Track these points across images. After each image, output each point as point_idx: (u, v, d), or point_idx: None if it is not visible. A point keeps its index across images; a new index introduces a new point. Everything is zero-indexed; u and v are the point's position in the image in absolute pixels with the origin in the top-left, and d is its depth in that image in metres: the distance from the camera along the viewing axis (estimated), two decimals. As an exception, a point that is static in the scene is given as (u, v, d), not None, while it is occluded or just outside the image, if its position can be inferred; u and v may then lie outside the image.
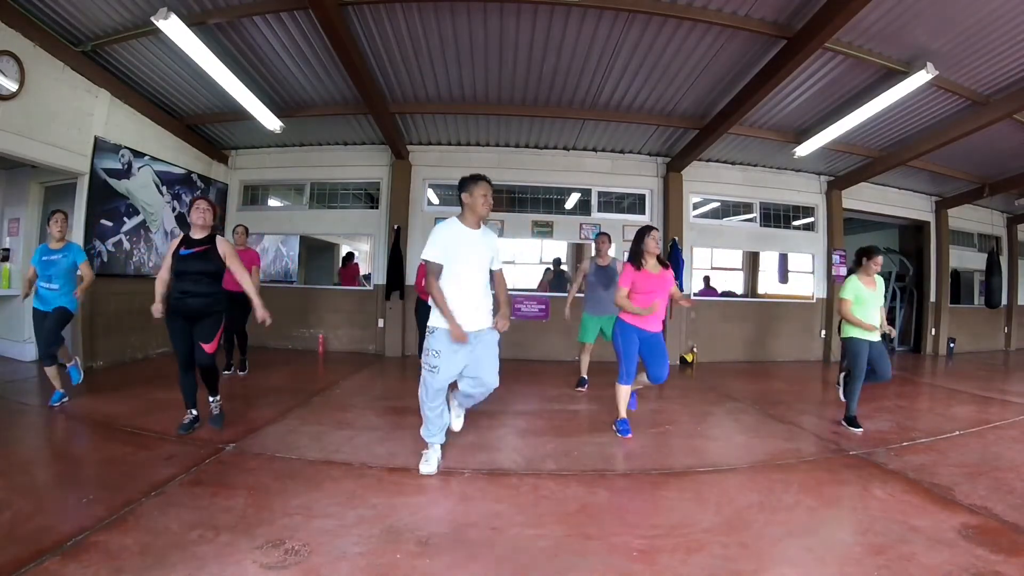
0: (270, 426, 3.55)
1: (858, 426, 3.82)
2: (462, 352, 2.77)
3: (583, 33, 4.70)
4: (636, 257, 3.53)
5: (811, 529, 2.28)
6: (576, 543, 2.11)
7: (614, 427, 3.66)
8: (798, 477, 2.89)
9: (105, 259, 5.49)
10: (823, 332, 8.06)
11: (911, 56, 4.76)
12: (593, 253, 5.10)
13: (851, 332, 3.92)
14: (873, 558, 1.99)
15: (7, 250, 5.72)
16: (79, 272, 3.91)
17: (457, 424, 3.27)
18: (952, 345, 8.91)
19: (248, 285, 3.31)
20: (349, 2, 4.30)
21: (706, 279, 8.68)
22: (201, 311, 3.22)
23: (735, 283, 10.28)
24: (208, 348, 3.25)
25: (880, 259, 3.94)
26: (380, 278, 7.36)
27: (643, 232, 3.55)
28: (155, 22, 4.15)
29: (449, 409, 3.05)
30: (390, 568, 1.86)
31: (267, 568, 1.82)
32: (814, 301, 8.14)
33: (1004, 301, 9.68)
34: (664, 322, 3.64)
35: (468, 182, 2.81)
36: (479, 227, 2.87)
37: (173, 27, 4.23)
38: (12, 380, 4.75)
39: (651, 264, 3.55)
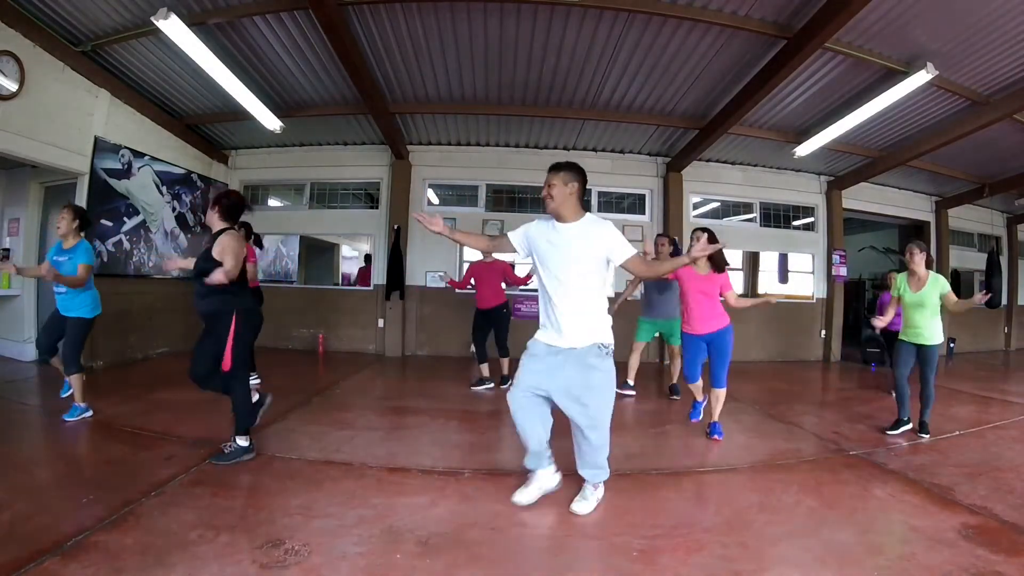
0: (270, 426, 3.55)
1: (927, 432, 3.66)
2: (546, 362, 2.33)
3: (583, 33, 4.69)
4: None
5: (811, 529, 2.28)
6: (576, 543, 2.11)
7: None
8: (798, 477, 2.89)
9: (105, 259, 5.48)
10: (823, 332, 8.06)
11: (911, 56, 4.75)
12: (650, 255, 4.61)
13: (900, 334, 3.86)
14: (873, 558, 1.99)
15: (7, 250, 5.71)
16: (79, 268, 3.51)
17: (579, 507, 2.38)
18: (952, 345, 8.90)
19: (220, 274, 2.73)
20: (349, 2, 4.30)
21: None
22: (205, 314, 2.90)
23: (735, 283, 10.26)
24: (223, 366, 2.81)
25: (913, 249, 3.76)
26: (380, 278, 7.36)
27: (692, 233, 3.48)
28: (155, 22, 4.15)
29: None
30: (390, 568, 1.86)
31: (267, 568, 1.82)
32: (814, 301, 8.14)
33: (1004, 301, 9.68)
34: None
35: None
36: (566, 222, 2.45)
37: (173, 27, 4.23)
38: (12, 380, 4.74)
39: (700, 264, 3.59)
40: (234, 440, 2.89)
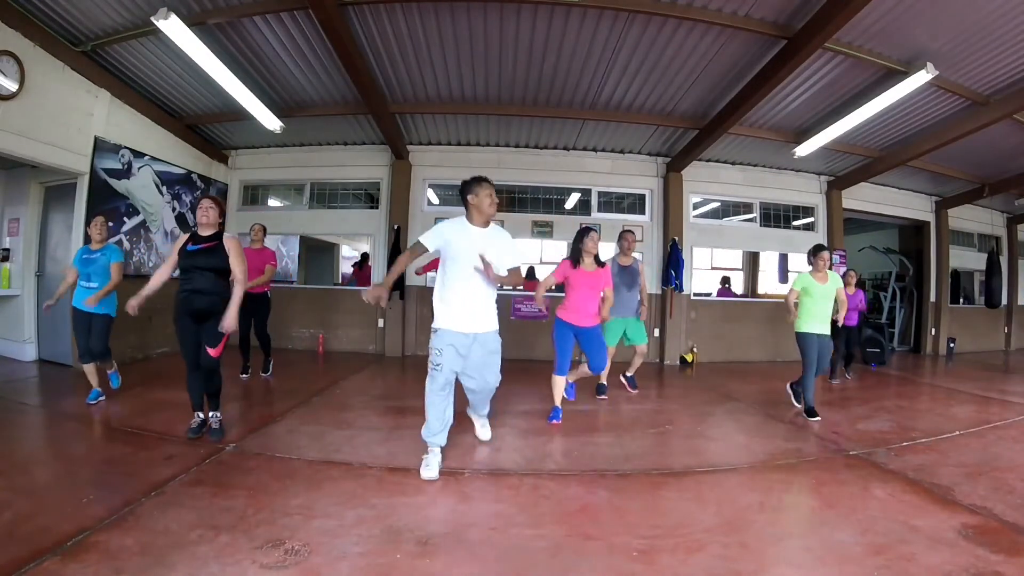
0: (270, 426, 3.55)
1: (816, 415, 4.11)
2: (462, 351, 2.82)
3: (583, 33, 4.70)
4: (575, 255, 3.88)
5: (811, 529, 2.28)
6: (576, 543, 2.10)
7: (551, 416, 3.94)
8: (798, 477, 2.89)
9: (105, 259, 5.48)
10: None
11: (911, 56, 4.76)
12: (614, 252, 4.84)
13: (801, 327, 4.31)
14: (873, 558, 1.99)
15: (7, 250, 5.71)
16: (111, 268, 3.95)
17: (483, 434, 3.36)
18: (952, 345, 8.90)
19: (239, 287, 3.16)
20: (349, 2, 4.30)
21: (725, 279, 8.66)
22: (207, 310, 3.09)
23: (735, 283, 10.28)
24: (213, 352, 3.15)
25: (825, 255, 4.29)
26: (380, 278, 7.35)
27: (583, 232, 3.89)
28: (155, 22, 4.15)
29: (475, 422, 3.36)
30: (390, 568, 1.86)
31: (267, 568, 1.82)
32: (814, 301, 8.12)
33: (1004, 301, 9.68)
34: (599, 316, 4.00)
35: (472, 184, 2.85)
36: (487, 226, 2.90)
37: (173, 27, 4.23)
38: (12, 380, 4.75)
39: (587, 263, 3.88)
40: (217, 415, 3.32)
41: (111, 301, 3.98)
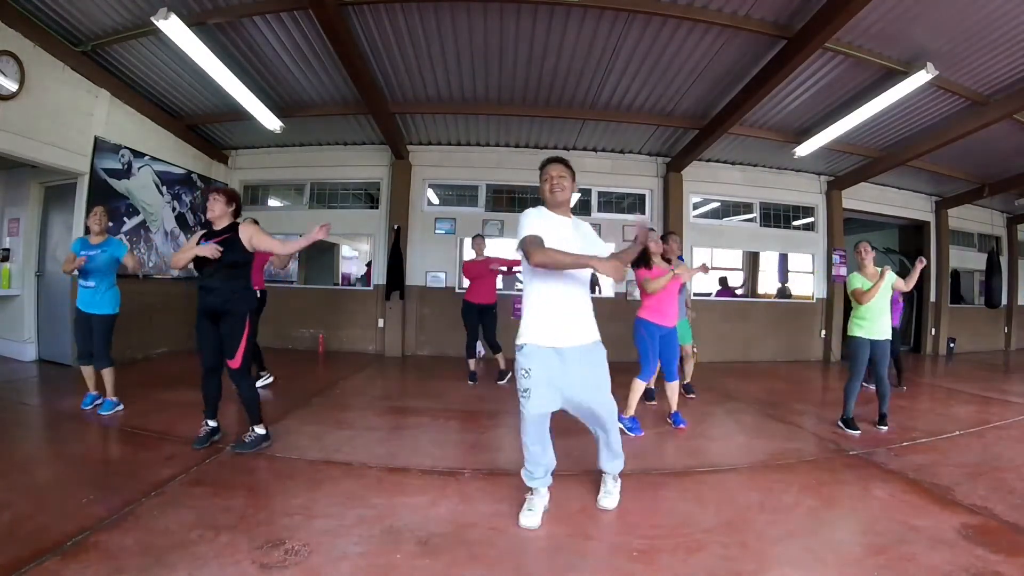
0: (270, 426, 3.54)
1: (855, 428, 3.78)
2: (557, 370, 2.18)
3: (583, 33, 4.69)
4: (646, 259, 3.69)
5: (811, 529, 2.28)
6: (576, 543, 2.10)
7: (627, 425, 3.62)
8: (798, 477, 2.89)
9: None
10: (823, 332, 8.06)
11: (911, 56, 4.75)
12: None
13: (855, 331, 3.89)
14: (873, 558, 1.99)
15: (7, 250, 5.71)
16: (123, 263, 3.86)
17: (607, 502, 2.43)
18: (952, 345, 8.90)
19: (287, 248, 3.10)
20: (349, 2, 4.30)
21: (723, 280, 8.65)
22: (220, 309, 2.93)
23: (735, 279, 10.26)
24: (233, 364, 2.95)
25: (866, 245, 3.91)
26: (380, 278, 7.36)
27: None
28: (155, 22, 4.15)
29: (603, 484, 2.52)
30: (390, 568, 1.86)
31: (267, 568, 1.82)
32: (814, 301, 8.14)
33: (1004, 301, 9.68)
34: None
35: (541, 168, 2.42)
36: (569, 216, 2.36)
37: (173, 27, 4.23)
38: (12, 380, 4.75)
39: (658, 262, 3.76)
40: (252, 430, 3.06)
41: (114, 298, 3.83)
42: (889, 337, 3.88)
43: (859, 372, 3.85)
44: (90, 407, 3.78)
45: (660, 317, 3.66)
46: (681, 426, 3.83)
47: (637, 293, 3.97)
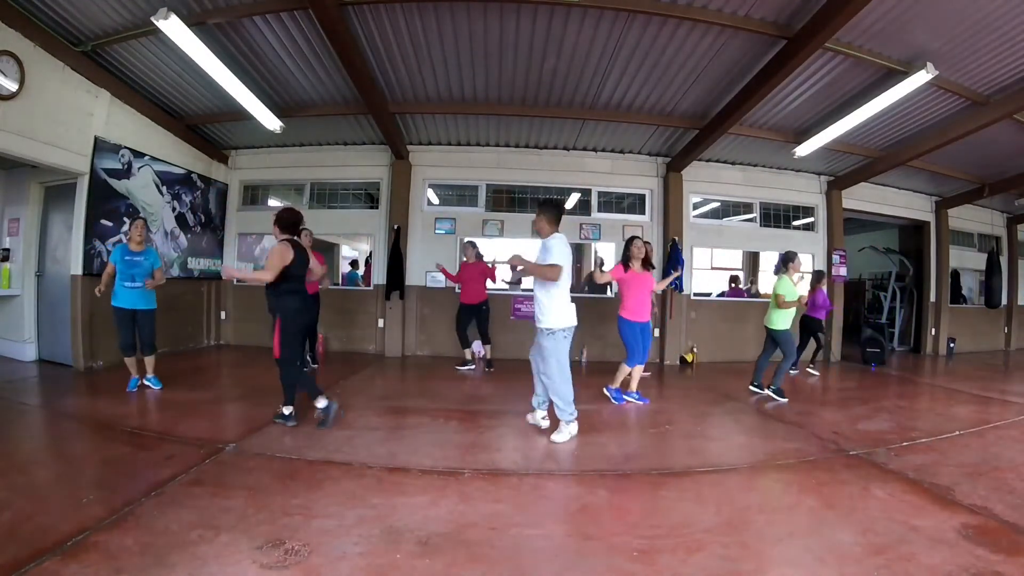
0: (270, 426, 3.55)
1: (784, 396, 4.80)
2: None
3: (583, 33, 4.69)
4: (625, 260, 4.56)
5: (811, 529, 2.28)
6: (576, 543, 2.11)
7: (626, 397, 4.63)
8: (798, 477, 2.89)
9: (105, 259, 5.47)
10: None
11: (911, 56, 4.76)
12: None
13: (787, 325, 4.93)
14: (873, 558, 1.99)
15: (7, 250, 5.71)
16: (154, 272, 4.45)
17: (546, 423, 3.67)
18: (952, 345, 8.90)
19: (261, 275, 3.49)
20: (349, 2, 4.30)
21: (734, 279, 8.64)
22: (270, 311, 3.58)
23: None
24: (274, 353, 3.48)
25: (799, 261, 5.02)
26: (380, 278, 7.36)
27: (628, 241, 4.59)
28: (155, 22, 4.15)
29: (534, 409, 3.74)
30: (390, 568, 1.86)
31: (267, 568, 1.82)
32: (814, 301, 8.12)
33: (1004, 301, 9.68)
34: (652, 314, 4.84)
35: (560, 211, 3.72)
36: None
37: (173, 27, 4.23)
38: (12, 380, 4.75)
39: (636, 266, 4.54)
40: (281, 408, 3.60)
41: (153, 296, 4.47)
42: None
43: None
44: (135, 390, 4.32)
45: (637, 315, 4.54)
46: (644, 402, 4.62)
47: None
